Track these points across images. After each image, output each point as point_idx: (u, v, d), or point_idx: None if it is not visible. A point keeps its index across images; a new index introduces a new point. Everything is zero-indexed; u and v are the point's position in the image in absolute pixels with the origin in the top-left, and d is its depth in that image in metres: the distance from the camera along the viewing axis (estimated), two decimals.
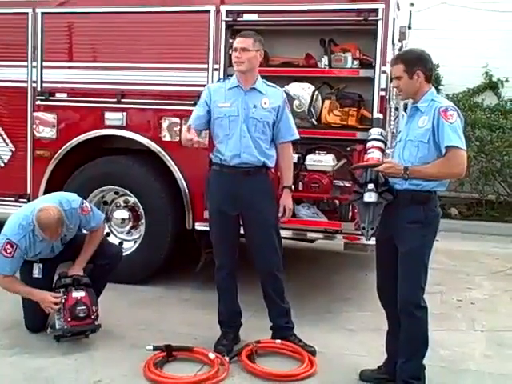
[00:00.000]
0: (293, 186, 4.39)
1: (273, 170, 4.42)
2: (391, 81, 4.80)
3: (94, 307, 4.36)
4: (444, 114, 3.50)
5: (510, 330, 4.94)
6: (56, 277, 4.55)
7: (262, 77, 4.33)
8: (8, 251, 4.28)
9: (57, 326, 4.34)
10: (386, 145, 3.85)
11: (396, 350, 3.78)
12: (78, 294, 4.34)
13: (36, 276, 4.52)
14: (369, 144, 3.80)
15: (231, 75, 4.49)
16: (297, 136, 4.35)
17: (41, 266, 4.53)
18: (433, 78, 3.79)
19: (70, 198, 4.50)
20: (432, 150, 3.55)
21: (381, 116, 4.16)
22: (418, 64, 3.63)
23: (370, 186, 3.63)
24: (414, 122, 3.66)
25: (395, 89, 4.02)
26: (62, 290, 4.39)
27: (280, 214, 4.26)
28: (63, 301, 4.32)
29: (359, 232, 4.90)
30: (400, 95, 3.95)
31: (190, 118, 4.41)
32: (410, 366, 3.68)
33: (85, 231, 4.69)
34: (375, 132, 3.83)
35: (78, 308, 4.28)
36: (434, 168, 3.53)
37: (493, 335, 4.82)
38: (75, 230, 4.56)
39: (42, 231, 4.24)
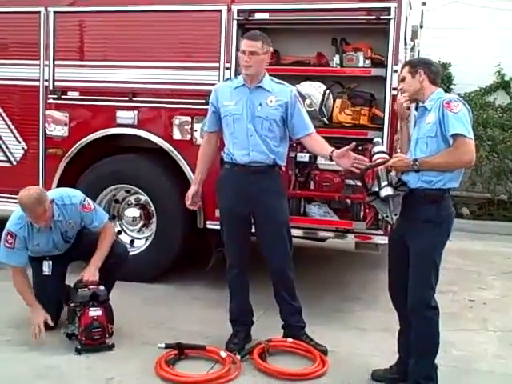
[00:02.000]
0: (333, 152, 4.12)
1: (283, 168, 4.40)
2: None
3: (109, 326, 4.30)
4: (447, 105, 3.53)
5: None
6: (71, 284, 4.50)
7: (275, 76, 4.30)
8: (9, 242, 4.38)
9: (69, 330, 4.33)
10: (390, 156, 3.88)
11: (408, 350, 3.76)
12: (95, 314, 4.22)
13: (46, 273, 4.57)
14: (375, 157, 3.83)
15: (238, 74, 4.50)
16: (313, 129, 4.28)
17: (50, 262, 4.57)
18: (440, 80, 3.82)
19: (72, 194, 4.55)
20: (441, 143, 3.55)
21: (379, 139, 4.16)
22: (420, 64, 3.76)
23: (384, 183, 3.64)
24: (423, 120, 3.69)
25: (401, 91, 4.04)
26: (79, 306, 4.30)
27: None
28: (78, 315, 4.26)
29: (371, 231, 4.94)
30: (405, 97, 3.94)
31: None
32: (422, 366, 3.67)
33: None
34: (379, 149, 3.86)
35: (94, 330, 4.19)
36: (442, 157, 3.53)
37: (505, 335, 4.79)
38: (76, 227, 4.56)
39: (23, 212, 4.29)
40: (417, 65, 3.75)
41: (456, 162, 3.55)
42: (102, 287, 4.38)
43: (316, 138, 4.27)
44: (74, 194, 4.56)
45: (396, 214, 3.62)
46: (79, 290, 4.33)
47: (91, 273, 4.41)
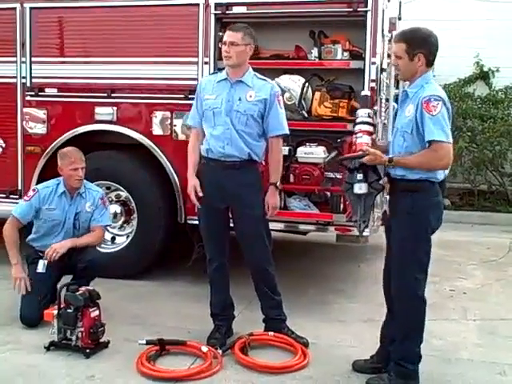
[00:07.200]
0: (278, 183, 4.26)
1: (263, 163, 4.40)
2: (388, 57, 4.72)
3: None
4: (426, 105, 3.39)
5: (501, 318, 4.97)
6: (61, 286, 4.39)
7: (253, 69, 4.29)
8: (29, 195, 4.69)
9: (73, 342, 4.15)
10: (374, 126, 3.82)
11: (392, 338, 3.74)
12: (95, 314, 4.17)
13: (39, 271, 4.59)
14: (356, 128, 3.75)
15: (222, 69, 4.48)
16: (285, 131, 4.25)
17: (45, 262, 4.57)
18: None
19: (97, 187, 4.96)
20: (416, 141, 3.49)
21: (368, 93, 3.99)
22: (421, 46, 3.50)
23: (360, 176, 3.60)
24: (403, 110, 3.61)
25: (394, 67, 3.87)
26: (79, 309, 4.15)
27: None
28: (79, 317, 4.14)
29: (351, 223, 4.94)
30: (398, 74, 3.82)
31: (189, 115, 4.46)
32: (403, 347, 3.64)
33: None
34: (362, 114, 3.76)
35: (99, 330, 4.15)
36: (417, 159, 3.46)
37: (485, 324, 4.84)
38: (88, 215, 4.73)
39: (68, 158, 4.65)
40: (417, 47, 3.48)
41: (431, 165, 3.47)
42: (90, 287, 4.33)
43: (274, 148, 4.22)
44: (99, 189, 4.95)
45: (365, 221, 3.55)
46: (76, 293, 4.16)
47: (61, 244, 4.55)
